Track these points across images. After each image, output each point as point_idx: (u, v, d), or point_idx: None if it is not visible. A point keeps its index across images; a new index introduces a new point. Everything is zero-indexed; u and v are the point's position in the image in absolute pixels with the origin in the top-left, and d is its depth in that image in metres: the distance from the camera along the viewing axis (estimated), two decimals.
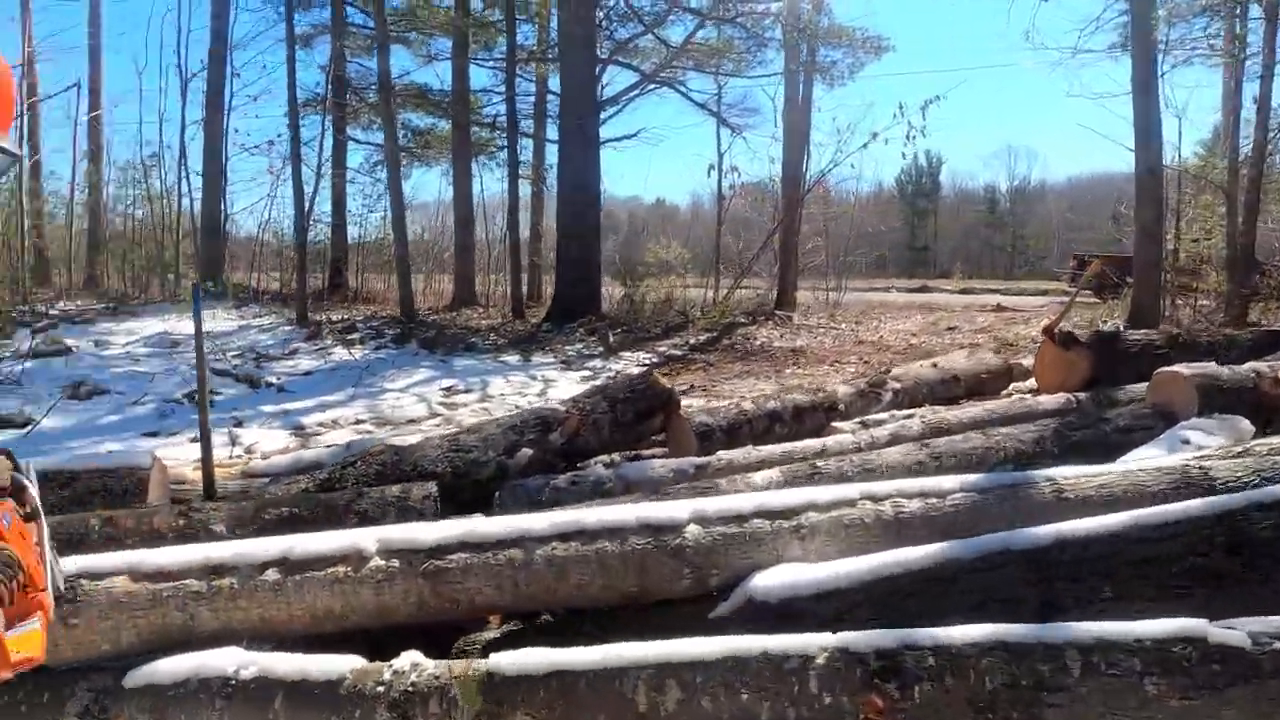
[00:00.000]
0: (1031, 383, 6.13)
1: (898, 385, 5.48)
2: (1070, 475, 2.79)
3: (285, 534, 2.63)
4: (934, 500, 2.65)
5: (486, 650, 2.53)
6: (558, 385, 8.32)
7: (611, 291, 15.08)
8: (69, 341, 10.08)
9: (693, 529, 2.49)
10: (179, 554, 2.31)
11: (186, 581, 2.25)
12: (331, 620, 2.32)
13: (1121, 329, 7.10)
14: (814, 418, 5.10)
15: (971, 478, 2.78)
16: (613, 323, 12.25)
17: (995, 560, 2.21)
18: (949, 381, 5.71)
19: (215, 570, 2.28)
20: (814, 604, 2.35)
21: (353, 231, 18.07)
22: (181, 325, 11.42)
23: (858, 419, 5.11)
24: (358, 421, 7.08)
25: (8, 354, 9.05)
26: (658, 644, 2.00)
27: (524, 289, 14.90)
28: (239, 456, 5.81)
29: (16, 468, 1.42)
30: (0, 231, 15.69)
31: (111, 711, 2.12)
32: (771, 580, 2.42)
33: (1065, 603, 2.12)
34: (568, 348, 10.93)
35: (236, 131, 15.75)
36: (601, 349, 10.77)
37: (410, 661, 2.07)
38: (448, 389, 8.25)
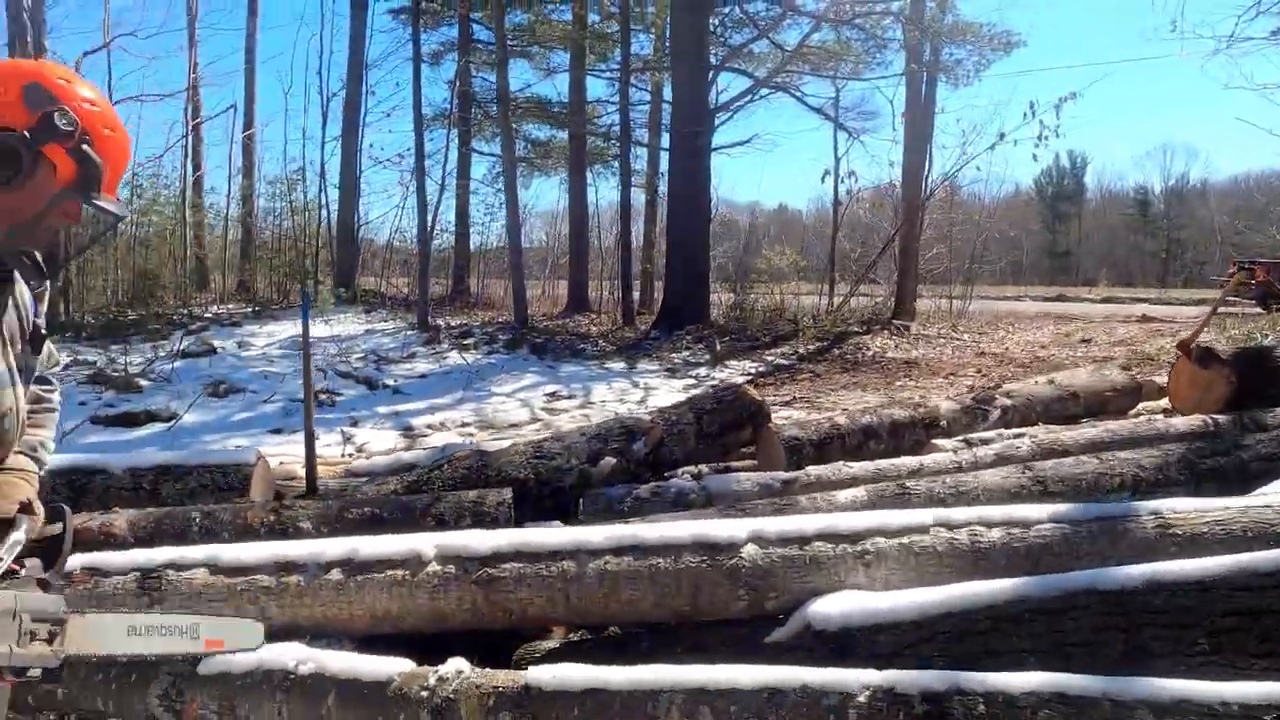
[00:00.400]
0: (1165, 403, 5.63)
1: (1008, 402, 5.15)
2: (1181, 509, 2.53)
3: (365, 534, 2.74)
4: (1017, 531, 2.45)
5: (545, 660, 2.54)
6: (659, 393, 8.33)
7: (722, 299, 14.99)
8: (215, 343, 10.95)
9: (750, 549, 2.41)
10: (254, 550, 2.44)
11: (258, 577, 2.37)
12: (389, 622, 2.39)
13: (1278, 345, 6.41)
14: (913, 434, 4.86)
15: (1063, 508, 2.56)
16: (720, 331, 12.16)
17: (1076, 601, 2.02)
18: (1066, 399, 5.31)
19: (285, 567, 2.39)
20: (873, 636, 2.22)
21: (475, 240, 18.81)
22: (314, 329, 12.16)
23: (961, 437, 4.84)
24: (463, 424, 7.32)
25: (163, 354, 9.92)
26: (694, 668, 1.95)
27: (635, 296, 15.04)
28: (350, 455, 6.13)
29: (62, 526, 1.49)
30: (166, 241, 17.29)
31: (186, 696, 2.26)
32: (831, 608, 2.31)
33: (1152, 653, 1.90)
34: (674, 355, 10.94)
35: (371, 146, 16.71)
36: (708, 357, 10.71)
37: (455, 669, 2.10)
38: (551, 394, 8.41)
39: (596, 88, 19.67)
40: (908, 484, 3.56)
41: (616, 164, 17.17)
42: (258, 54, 19.32)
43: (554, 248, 21.99)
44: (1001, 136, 12.47)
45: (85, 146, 1.31)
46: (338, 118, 17.19)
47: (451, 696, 2.02)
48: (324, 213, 18.13)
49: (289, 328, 12.44)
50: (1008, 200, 35.59)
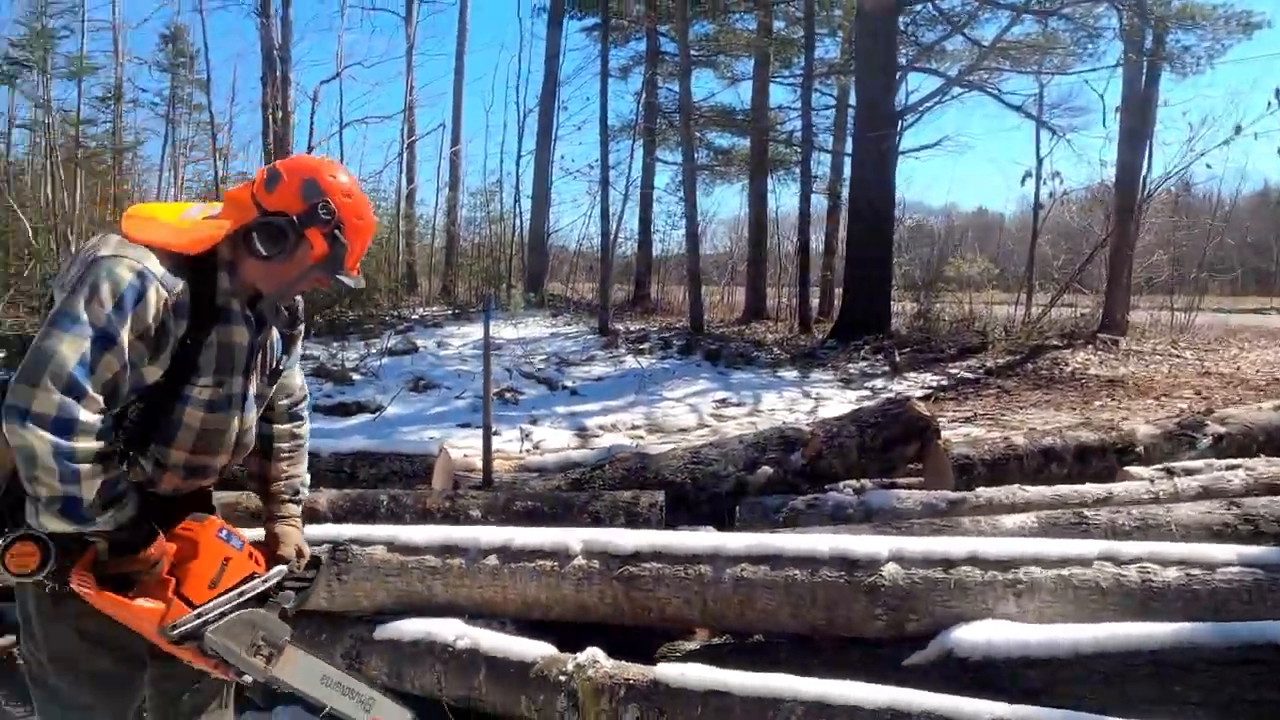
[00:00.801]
0: None
1: (1220, 429, 4.61)
2: None
3: (528, 525, 2.95)
4: (1197, 571, 2.23)
5: (683, 660, 2.62)
6: (831, 404, 8.16)
7: (906, 308, 14.40)
8: (418, 342, 11.98)
9: (891, 568, 2.36)
10: (425, 532, 2.71)
11: (426, 557, 2.62)
12: (538, 609, 2.57)
13: None
14: (1102, 460, 4.48)
15: (1258, 550, 2.30)
16: (901, 341, 11.69)
17: (1252, 653, 1.82)
18: None
19: (450, 550, 2.63)
20: (1021, 669, 2.11)
21: (657, 247, 19.27)
22: (503, 331, 13.02)
23: (1161, 465, 4.39)
24: (633, 427, 7.56)
25: (374, 352, 11.00)
26: (818, 681, 1.95)
27: (813, 304, 14.77)
28: (527, 451, 6.52)
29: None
30: (383, 249, 19.15)
31: (364, 659, 2.55)
32: (976, 635, 2.22)
33: None
34: (850, 366, 10.66)
35: (561, 158, 17.58)
36: (886, 369, 10.35)
37: (591, 657, 2.23)
38: (721, 401, 8.48)
39: (779, 94, 19.54)
40: (1086, 513, 3.30)
41: (798, 170, 16.98)
42: (465, 76, 20.85)
43: (734, 254, 22.09)
44: (1238, 130, 11.08)
45: (337, 232, 1.60)
46: (532, 132, 18.25)
47: (585, 683, 2.15)
48: (518, 221, 19.29)
49: (481, 330, 13.37)
50: (1253, 200, 31.38)
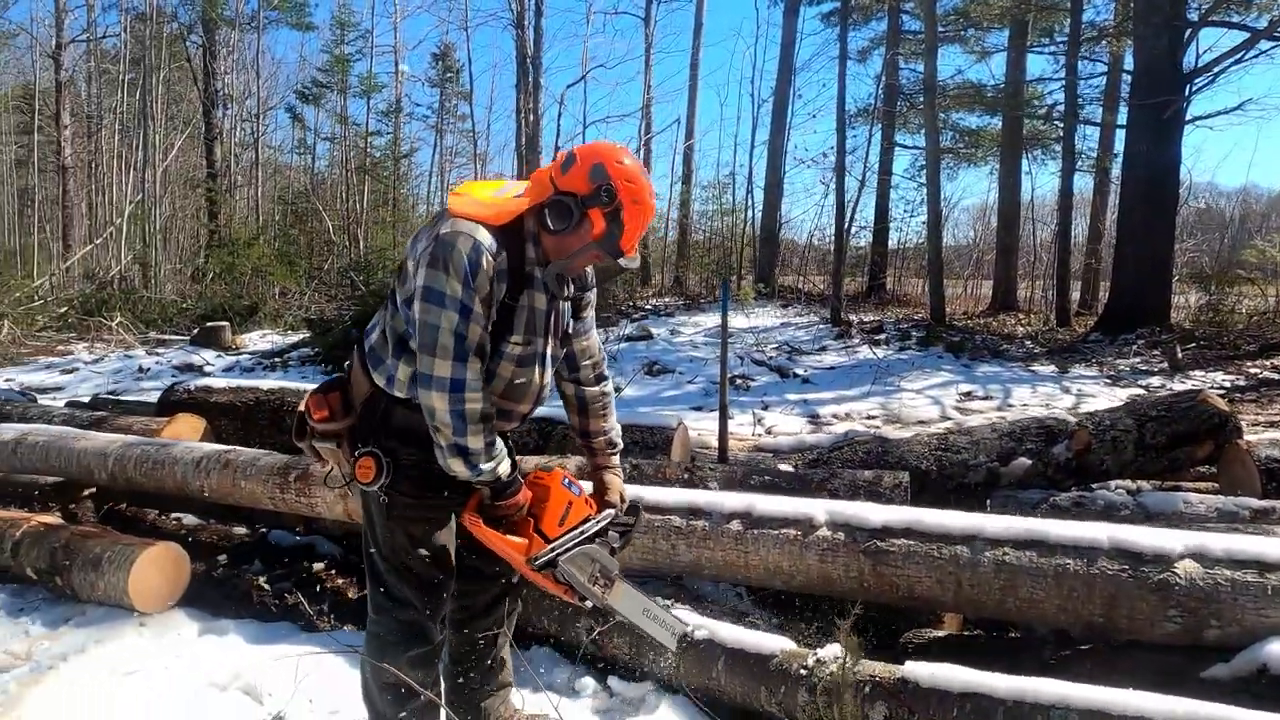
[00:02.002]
0: None
1: None
2: None
3: None
4: None
5: (931, 649, 2.49)
6: (1095, 402, 7.35)
7: (1191, 300, 12.62)
8: (653, 330, 12.38)
9: (1187, 565, 2.08)
10: (670, 494, 2.79)
11: (671, 518, 2.70)
12: (780, 577, 2.55)
13: None
14: None
15: None
16: (1184, 336, 10.26)
17: None
18: None
19: (694, 512, 2.69)
20: None
21: (894, 236, 18.43)
22: (735, 320, 13.08)
23: None
24: (868, 417, 7.30)
25: (612, 338, 11.53)
26: (1095, 689, 1.76)
27: (1073, 295, 13.38)
28: (759, 434, 6.52)
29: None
30: None
31: (607, 636, 2.66)
32: None
33: None
34: (1119, 361, 9.53)
35: (795, 147, 17.32)
36: (1164, 365, 9.13)
37: (833, 653, 2.16)
38: (965, 394, 7.94)
39: (1036, 65, 17.85)
40: None
41: (1058, 147, 15.43)
42: (700, 71, 21.19)
43: (980, 243, 20.58)
44: None
45: (618, 211, 1.74)
46: (766, 123, 18.15)
47: (828, 679, 2.07)
48: (749, 213, 19.30)
49: (714, 319, 13.54)
50: None
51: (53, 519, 3.62)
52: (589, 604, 1.84)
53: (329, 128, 22.85)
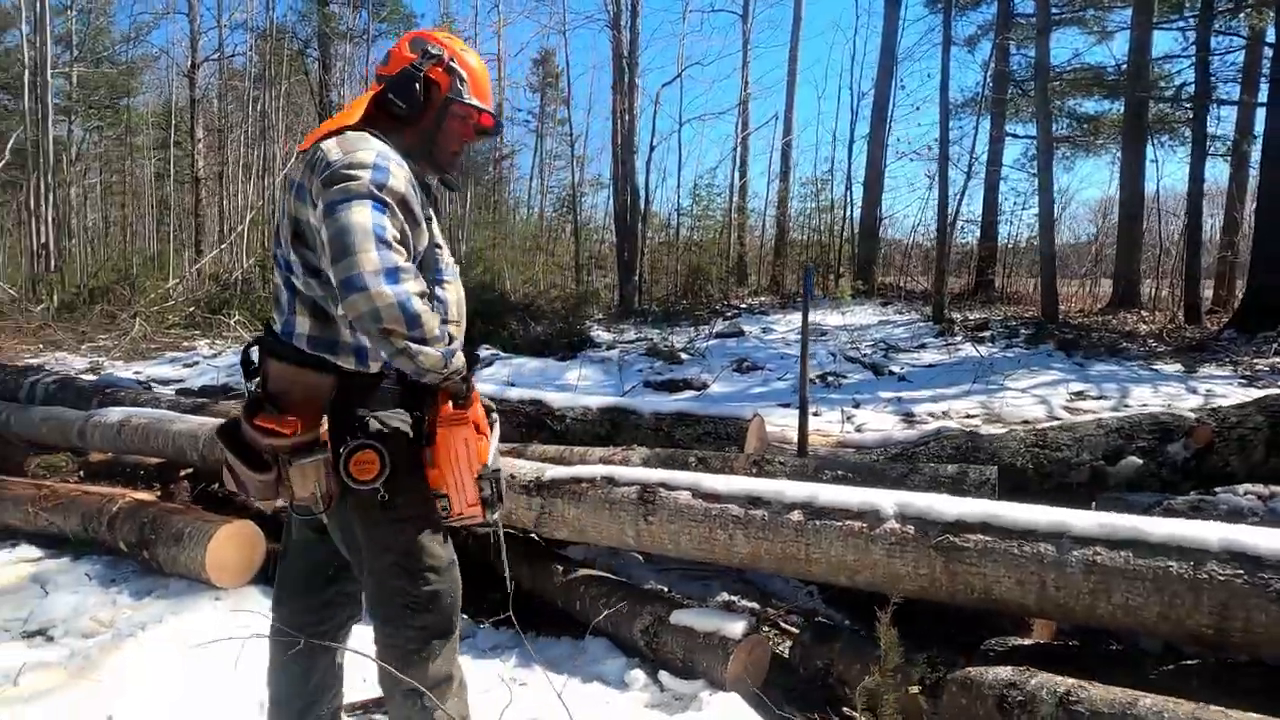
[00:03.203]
0: None
1: None
2: None
3: None
4: None
5: (1012, 657, 2.27)
6: (1225, 403, 6.70)
7: None
8: (745, 328, 12.17)
9: None
10: (729, 482, 2.65)
11: (729, 506, 2.56)
12: (844, 573, 2.37)
13: None
14: None
15: None
16: None
17: None
18: None
19: (753, 501, 2.54)
20: None
21: (1003, 231, 17.49)
22: (829, 318, 12.72)
23: None
24: (967, 416, 6.89)
25: (702, 335, 11.40)
26: (1215, 710, 1.52)
27: (1205, 291, 12.31)
28: (847, 430, 6.25)
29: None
30: (716, 242, 19.85)
31: (661, 638, 2.55)
32: None
33: None
34: (1257, 362, 8.69)
35: (897, 140, 16.71)
36: None
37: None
38: (1076, 394, 7.40)
39: (1163, 43, 16.56)
40: None
41: (1187, 132, 14.28)
42: (799, 66, 20.76)
43: (1099, 239, 19.30)
44: None
45: (451, 62, 1.80)
46: (866, 116, 17.60)
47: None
48: (848, 210, 18.77)
49: (809, 317, 13.20)
50: None
51: (146, 495, 3.80)
52: (494, 517, 1.75)
53: None
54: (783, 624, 2.96)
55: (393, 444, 1.69)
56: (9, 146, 19.32)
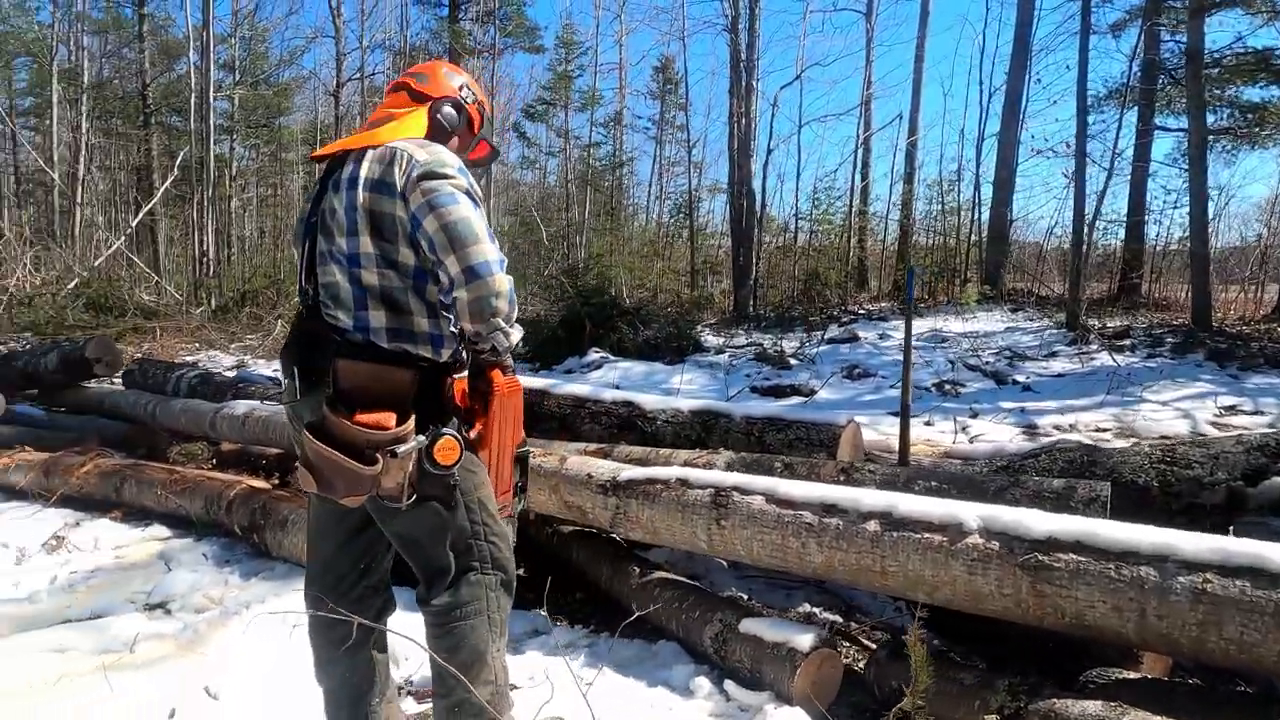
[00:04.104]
0: None
1: None
2: None
3: None
4: None
5: (1114, 691, 2.07)
6: None
7: None
8: (860, 333, 11.79)
9: None
10: (804, 489, 2.55)
11: (803, 513, 2.47)
12: (922, 588, 2.23)
13: None
14: None
15: None
16: None
17: None
18: None
19: (828, 509, 2.44)
20: None
21: (1152, 231, 16.17)
22: (951, 325, 12.14)
23: None
24: (1098, 429, 6.40)
25: (813, 339, 11.13)
26: None
27: None
28: (959, 441, 5.93)
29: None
30: (835, 247, 19.36)
31: (730, 646, 2.49)
32: None
33: None
34: None
35: (1032, 138, 15.77)
36: None
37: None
38: (1227, 408, 6.72)
39: None
40: None
41: None
42: (925, 63, 19.98)
43: (1266, 239, 17.50)
44: None
45: (482, 108, 2.10)
46: (997, 113, 16.72)
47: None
48: (976, 212, 17.89)
49: (930, 324, 12.66)
50: None
51: (261, 483, 4.05)
52: (519, 507, 2.00)
53: (550, 142, 24.26)
54: (864, 640, 2.82)
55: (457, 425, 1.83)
56: (178, 164, 21.22)
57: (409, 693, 2.48)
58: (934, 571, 2.18)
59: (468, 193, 1.77)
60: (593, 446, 3.87)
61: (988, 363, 9.16)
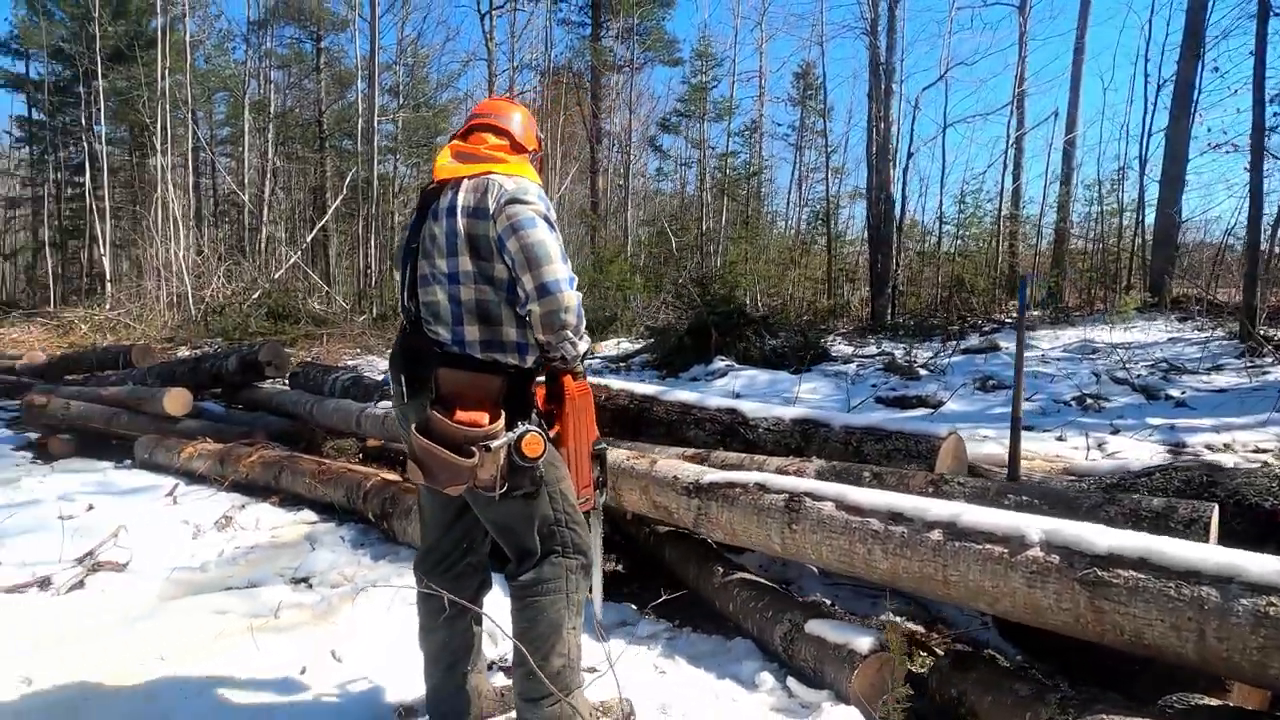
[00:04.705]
0: None
1: None
2: None
3: None
4: None
5: (1179, 716, 2.02)
6: None
7: None
8: (1002, 343, 11.26)
9: None
10: (872, 496, 2.61)
11: (870, 520, 2.53)
12: (983, 599, 2.25)
13: None
14: None
15: None
16: None
17: None
18: None
19: (894, 517, 2.49)
20: None
21: None
22: (1105, 335, 11.37)
23: None
24: (1257, 449, 5.87)
25: (948, 349, 10.75)
26: None
27: None
28: (1092, 458, 5.62)
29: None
30: (982, 252, 18.50)
31: (796, 645, 2.58)
32: None
33: None
34: None
35: (1209, 131, 14.47)
36: None
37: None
38: None
39: None
40: None
41: None
42: (1085, 55, 18.76)
43: None
44: None
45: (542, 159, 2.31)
46: (1165, 106, 15.46)
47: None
48: (1140, 213, 16.60)
49: (1078, 333, 11.91)
50: None
51: (393, 476, 4.48)
52: (602, 500, 2.28)
53: (688, 153, 24.54)
54: (938, 650, 2.82)
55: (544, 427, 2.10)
56: (346, 183, 23.18)
57: (500, 668, 2.73)
58: (994, 582, 2.19)
59: (545, 217, 2.01)
60: (690, 451, 4.03)
61: (1139, 376, 8.54)
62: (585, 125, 24.41)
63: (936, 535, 2.35)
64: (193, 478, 5.18)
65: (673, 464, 3.31)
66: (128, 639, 2.97)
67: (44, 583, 3.50)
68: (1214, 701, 2.15)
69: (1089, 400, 7.63)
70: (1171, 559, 1.93)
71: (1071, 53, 18.98)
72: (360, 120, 22.46)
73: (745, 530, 2.88)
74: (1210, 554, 1.91)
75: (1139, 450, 5.95)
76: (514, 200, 1.99)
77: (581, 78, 24.78)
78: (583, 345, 2.10)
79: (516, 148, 2.24)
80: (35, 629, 3.06)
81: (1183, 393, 7.77)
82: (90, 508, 4.60)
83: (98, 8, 22.51)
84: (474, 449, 1.96)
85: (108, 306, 18.89)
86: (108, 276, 21.80)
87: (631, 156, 23.95)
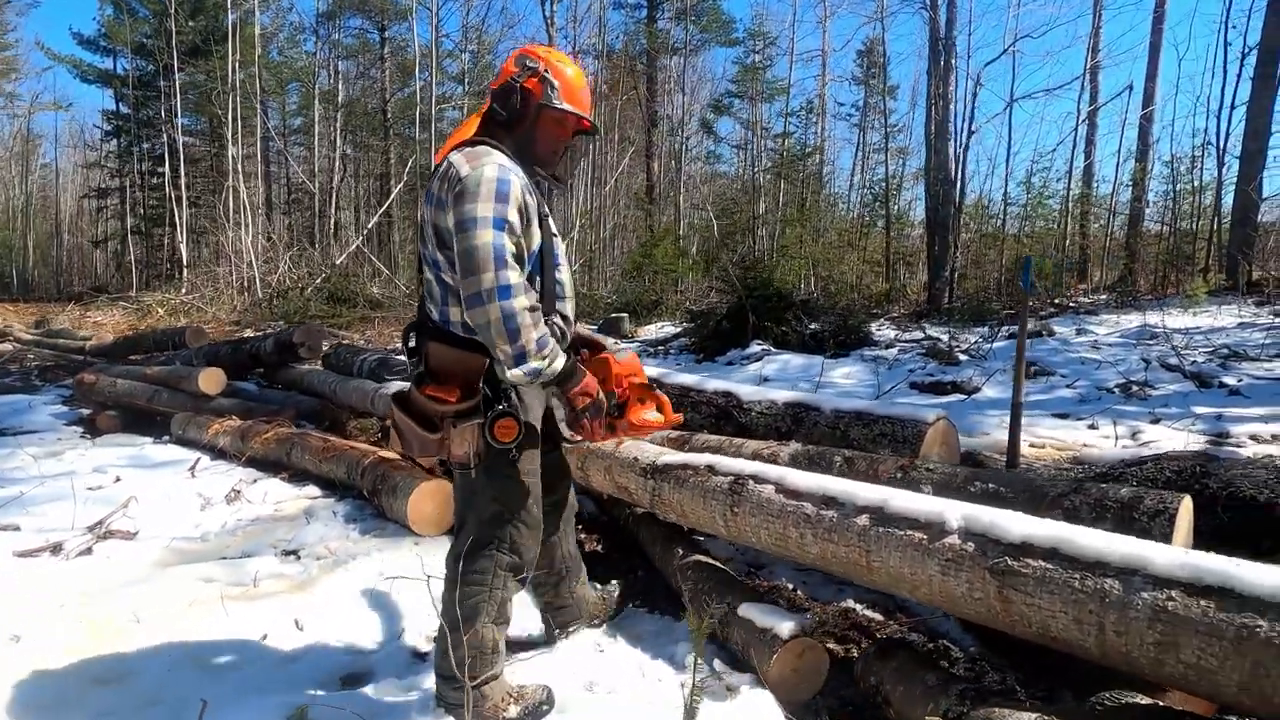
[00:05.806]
0: None
1: None
2: None
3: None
4: None
5: (1120, 718, 1.94)
6: None
7: None
8: (1056, 328, 10.82)
9: None
10: (808, 480, 2.56)
11: (804, 504, 2.49)
12: (904, 586, 2.19)
13: None
14: None
15: None
16: None
17: None
18: None
19: (827, 501, 2.44)
20: None
21: None
22: (1167, 319, 10.80)
23: None
24: None
25: (994, 335, 10.39)
26: None
27: None
28: (1124, 446, 5.37)
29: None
30: (1051, 234, 17.78)
31: (730, 628, 2.56)
32: None
33: None
34: None
35: None
36: None
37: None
38: None
39: None
40: None
41: None
42: (1164, 23, 17.76)
43: None
44: None
45: (546, 73, 2.09)
46: (1248, 77, 14.52)
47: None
48: (1219, 191, 15.67)
49: (1138, 318, 11.33)
50: None
51: (389, 453, 4.60)
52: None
53: (744, 135, 24.21)
54: (879, 637, 2.76)
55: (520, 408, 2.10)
56: (407, 169, 23.69)
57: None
58: (913, 570, 2.13)
59: (493, 215, 1.88)
60: (675, 434, 4.02)
61: (1194, 362, 8.09)
62: (641, 108, 24.34)
63: (863, 520, 2.29)
64: (216, 453, 5.42)
65: (637, 445, 3.31)
66: (114, 602, 3.14)
67: (55, 548, 3.72)
68: (1142, 700, 2.05)
69: (1134, 388, 7.27)
70: (1082, 549, 1.84)
71: (1150, 21, 18.00)
72: (419, 106, 22.89)
73: (694, 512, 2.87)
74: (1121, 544, 1.81)
75: (1175, 439, 5.66)
76: (461, 194, 1.90)
77: (636, 61, 24.69)
78: (544, 364, 1.95)
79: (493, 112, 2.10)
80: (38, 591, 3.26)
81: (1239, 380, 7.33)
82: (118, 479, 4.86)
83: (174, 4, 23.48)
84: (439, 424, 2.02)
85: (184, 291, 19.83)
86: (185, 262, 22.86)
87: (686, 139, 23.78)
